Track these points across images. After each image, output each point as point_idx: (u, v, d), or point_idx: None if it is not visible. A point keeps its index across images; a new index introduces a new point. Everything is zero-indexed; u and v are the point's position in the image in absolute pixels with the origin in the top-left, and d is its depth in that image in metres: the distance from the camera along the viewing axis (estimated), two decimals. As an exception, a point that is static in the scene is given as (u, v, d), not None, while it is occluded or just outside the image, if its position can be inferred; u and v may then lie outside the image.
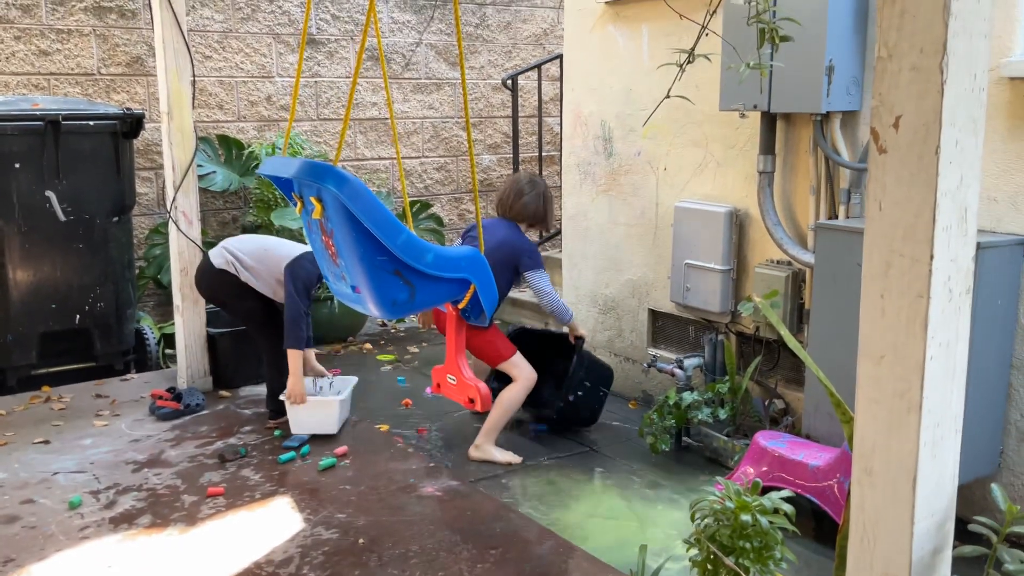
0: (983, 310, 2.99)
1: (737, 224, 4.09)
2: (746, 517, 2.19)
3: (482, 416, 4.08)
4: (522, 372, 3.92)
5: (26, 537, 3.03)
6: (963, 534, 1.78)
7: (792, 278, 3.81)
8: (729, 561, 2.17)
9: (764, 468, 3.34)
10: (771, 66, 2.34)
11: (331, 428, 3.91)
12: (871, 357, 1.54)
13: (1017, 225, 3.14)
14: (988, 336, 3.05)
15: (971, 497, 3.18)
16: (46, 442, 3.84)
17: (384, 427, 4.15)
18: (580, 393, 4.11)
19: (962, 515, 1.73)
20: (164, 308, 5.56)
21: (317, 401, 3.96)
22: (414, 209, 6.17)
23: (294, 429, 3.92)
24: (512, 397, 3.90)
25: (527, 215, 4.03)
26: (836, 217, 3.67)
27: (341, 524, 3.14)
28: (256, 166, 5.53)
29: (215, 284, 4.10)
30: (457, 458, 3.87)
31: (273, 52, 5.95)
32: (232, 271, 4.03)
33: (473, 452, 3.87)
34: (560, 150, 5.72)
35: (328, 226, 3.08)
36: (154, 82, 5.44)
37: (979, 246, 2.90)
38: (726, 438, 3.81)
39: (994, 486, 1.98)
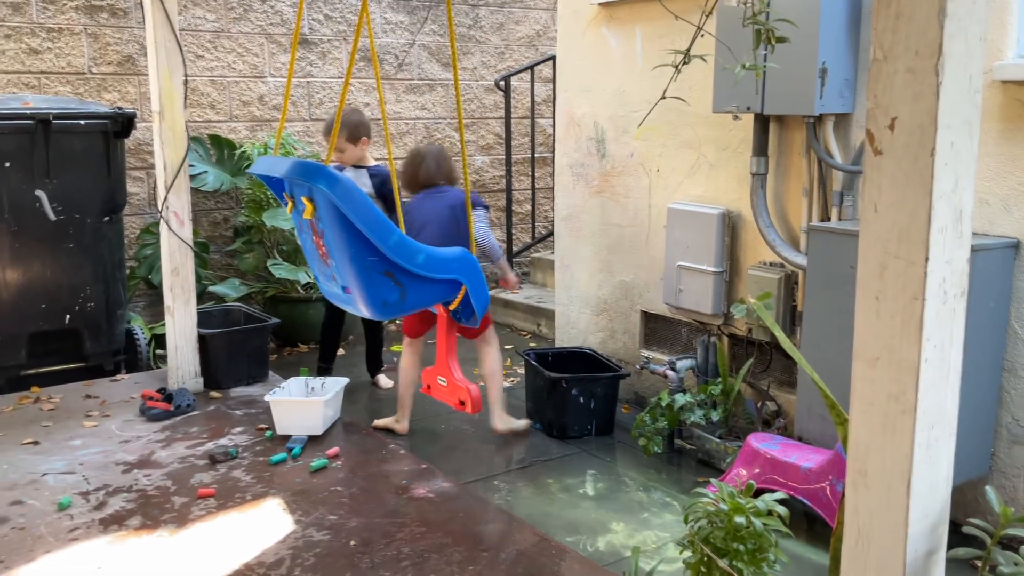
0: (975, 313, 2.98)
1: (730, 226, 4.09)
2: (740, 519, 2.19)
3: (470, 416, 4.14)
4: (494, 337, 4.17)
5: (15, 539, 3.01)
6: (955, 536, 1.78)
7: (785, 280, 3.81)
8: (723, 563, 2.17)
9: (757, 470, 3.34)
10: (765, 67, 2.34)
11: (316, 429, 3.89)
12: (866, 359, 1.53)
13: (1009, 227, 3.15)
14: (980, 339, 3.06)
15: (962, 500, 3.19)
16: (35, 443, 3.82)
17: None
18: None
19: (953, 517, 1.73)
20: (155, 308, 5.54)
21: (302, 402, 3.94)
22: (407, 210, 6.15)
23: (279, 430, 3.90)
24: (497, 365, 4.14)
25: (443, 173, 4.18)
26: (828, 219, 3.67)
27: (333, 526, 3.13)
28: (248, 166, 5.50)
29: None
30: (449, 460, 3.86)
31: (265, 52, 5.93)
32: None
33: (499, 426, 4.10)
34: (553, 151, 5.72)
35: (319, 226, 3.06)
36: (145, 81, 5.41)
37: (972, 248, 2.90)
38: (719, 440, 3.81)
39: (988, 488, 1.98)
